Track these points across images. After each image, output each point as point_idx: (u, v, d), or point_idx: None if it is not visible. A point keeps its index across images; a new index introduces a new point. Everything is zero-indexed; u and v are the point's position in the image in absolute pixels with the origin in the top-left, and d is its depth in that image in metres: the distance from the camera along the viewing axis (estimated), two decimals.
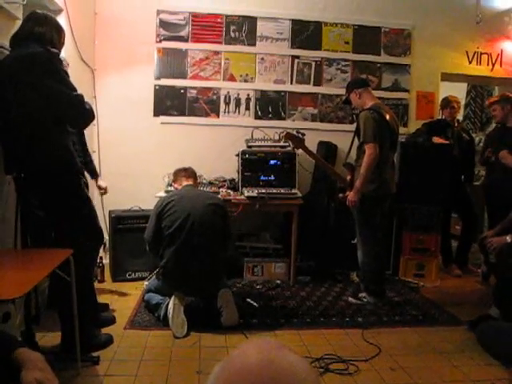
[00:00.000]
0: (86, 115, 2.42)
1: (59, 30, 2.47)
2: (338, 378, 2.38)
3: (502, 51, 4.87)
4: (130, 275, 3.87)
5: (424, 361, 2.61)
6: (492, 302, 3.08)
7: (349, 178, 3.52)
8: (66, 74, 2.32)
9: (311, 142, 4.37)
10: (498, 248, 3.06)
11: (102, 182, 3.53)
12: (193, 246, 2.93)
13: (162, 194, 3.72)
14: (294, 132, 3.79)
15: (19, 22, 2.61)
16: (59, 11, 3.36)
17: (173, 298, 2.88)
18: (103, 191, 3.53)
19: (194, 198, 3.10)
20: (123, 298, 3.47)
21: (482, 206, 4.48)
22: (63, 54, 2.71)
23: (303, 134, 3.79)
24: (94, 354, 2.47)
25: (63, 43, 2.52)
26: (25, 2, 2.55)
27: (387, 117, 3.38)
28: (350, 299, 3.55)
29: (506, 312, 2.97)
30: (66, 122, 2.37)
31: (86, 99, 2.41)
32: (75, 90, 2.34)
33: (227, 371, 0.56)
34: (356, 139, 3.49)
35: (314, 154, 3.82)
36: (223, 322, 2.91)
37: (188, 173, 3.38)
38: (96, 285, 3.30)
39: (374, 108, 3.37)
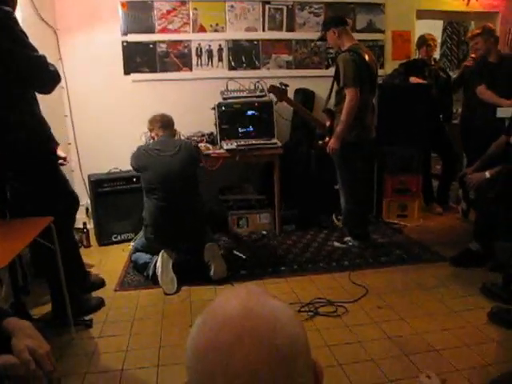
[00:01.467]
0: (51, 77, 2.30)
1: None
2: (327, 320, 2.45)
3: None
4: (115, 238, 3.86)
5: (410, 297, 2.70)
6: (472, 237, 3.16)
7: (328, 124, 3.50)
8: (24, 34, 2.18)
9: (288, 90, 4.30)
10: (478, 184, 3.12)
11: (60, 152, 3.42)
12: (171, 202, 2.96)
13: None
14: (278, 84, 3.70)
15: None
16: None
17: (160, 255, 2.90)
18: (62, 161, 3.41)
19: (168, 152, 3.06)
20: (111, 260, 3.48)
21: (461, 145, 4.52)
22: (19, 13, 2.55)
23: (286, 85, 3.71)
24: (87, 318, 2.50)
25: (16, 1, 2.36)
26: None
27: (366, 58, 3.30)
28: (336, 244, 3.62)
29: (485, 245, 3.06)
30: (30, 86, 2.27)
31: (49, 60, 2.29)
32: (36, 51, 2.21)
33: (207, 323, 0.56)
34: (335, 84, 3.43)
35: (297, 105, 3.77)
36: (212, 276, 2.95)
37: (164, 123, 3.26)
38: (82, 250, 3.30)
39: (353, 49, 3.27)
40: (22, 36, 2.15)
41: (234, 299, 0.58)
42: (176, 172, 3.00)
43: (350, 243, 3.57)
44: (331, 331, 2.34)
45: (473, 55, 4.08)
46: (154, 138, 3.29)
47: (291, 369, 0.53)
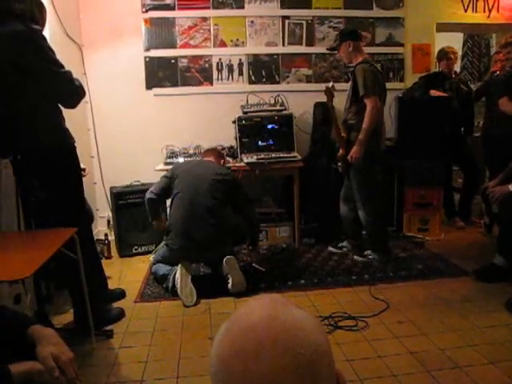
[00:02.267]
0: (76, 92, 2.37)
1: (40, 6, 2.40)
2: (347, 334, 2.42)
3: None
4: (136, 250, 3.90)
5: (431, 312, 2.65)
6: (496, 251, 3.10)
7: (343, 135, 3.48)
8: (52, 51, 2.25)
9: (307, 103, 4.34)
10: (501, 197, 3.06)
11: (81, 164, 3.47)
12: (194, 211, 3.01)
13: (162, 167, 3.72)
14: (330, 85, 3.54)
15: None
16: None
17: (179, 267, 2.92)
18: (82, 172, 3.44)
19: (203, 168, 3.18)
20: (131, 272, 3.51)
21: (483, 158, 4.45)
22: (47, 30, 2.64)
23: (334, 89, 3.54)
24: (107, 328, 2.53)
25: (45, 19, 2.44)
26: None
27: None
28: (356, 257, 3.59)
29: (510, 260, 3.00)
30: (56, 100, 2.33)
31: (74, 76, 2.36)
32: (62, 67, 2.28)
33: (232, 331, 0.57)
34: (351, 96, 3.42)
35: (333, 111, 3.70)
36: (231, 289, 2.95)
37: (209, 152, 3.50)
38: (103, 261, 3.33)
39: (368, 61, 3.35)
40: (49, 52, 2.22)
41: (258, 308, 0.58)
42: (204, 184, 3.07)
43: (371, 257, 3.54)
44: (351, 345, 2.31)
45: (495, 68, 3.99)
46: None
47: (315, 378, 0.54)
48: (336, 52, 3.66)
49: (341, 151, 3.48)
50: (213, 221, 3.03)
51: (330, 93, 3.50)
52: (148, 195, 3.22)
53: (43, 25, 2.40)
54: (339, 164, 3.57)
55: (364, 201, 3.45)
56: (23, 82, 2.18)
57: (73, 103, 2.42)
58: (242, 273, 3.03)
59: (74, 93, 2.36)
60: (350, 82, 3.45)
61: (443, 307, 2.72)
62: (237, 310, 0.60)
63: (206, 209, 3.02)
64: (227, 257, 3.00)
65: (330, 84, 3.51)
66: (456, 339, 2.33)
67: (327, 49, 3.79)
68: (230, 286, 2.96)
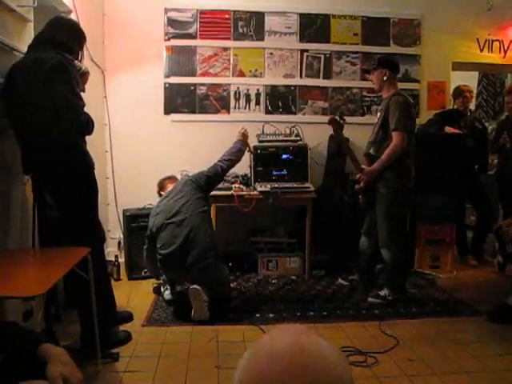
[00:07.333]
0: (74, 125, 2.34)
1: (80, 38, 2.50)
2: (356, 370, 2.37)
3: None
4: (145, 273, 3.88)
5: (442, 351, 2.60)
6: (510, 292, 3.05)
7: (364, 167, 3.42)
8: (76, 81, 2.33)
9: (322, 135, 4.37)
10: None
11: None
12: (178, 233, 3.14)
13: None
14: (337, 117, 3.56)
15: (31, 25, 2.65)
16: (68, 13, 3.37)
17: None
18: None
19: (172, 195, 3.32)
20: (140, 295, 3.50)
21: (497, 196, 4.43)
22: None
23: (343, 119, 3.54)
24: (114, 351, 2.50)
25: (83, 51, 2.55)
26: (35, 5, 2.57)
27: None
28: (371, 300, 3.37)
29: None
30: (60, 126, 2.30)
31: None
32: (79, 99, 2.33)
33: (257, 358, 0.57)
34: (380, 129, 3.35)
35: (346, 142, 3.69)
36: (192, 317, 2.94)
37: (169, 178, 3.63)
38: (112, 283, 3.32)
39: (402, 93, 3.31)
40: (73, 81, 2.30)
41: (284, 335, 0.59)
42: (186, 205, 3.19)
43: (390, 297, 3.34)
44: (360, 382, 2.26)
45: None
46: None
47: None
48: (368, 75, 3.58)
49: (361, 184, 3.38)
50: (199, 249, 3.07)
51: (336, 123, 3.46)
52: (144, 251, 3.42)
53: (82, 55, 2.50)
54: (359, 197, 3.49)
55: (392, 237, 3.29)
56: (51, 105, 2.24)
57: (70, 132, 2.38)
58: (207, 305, 2.96)
59: (74, 123, 2.33)
60: (380, 114, 3.38)
61: (455, 347, 2.66)
62: (262, 336, 0.60)
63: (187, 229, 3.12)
64: (193, 287, 2.93)
65: (337, 115, 3.53)
66: (469, 381, 2.27)
67: (362, 68, 3.82)
68: (192, 313, 2.94)
